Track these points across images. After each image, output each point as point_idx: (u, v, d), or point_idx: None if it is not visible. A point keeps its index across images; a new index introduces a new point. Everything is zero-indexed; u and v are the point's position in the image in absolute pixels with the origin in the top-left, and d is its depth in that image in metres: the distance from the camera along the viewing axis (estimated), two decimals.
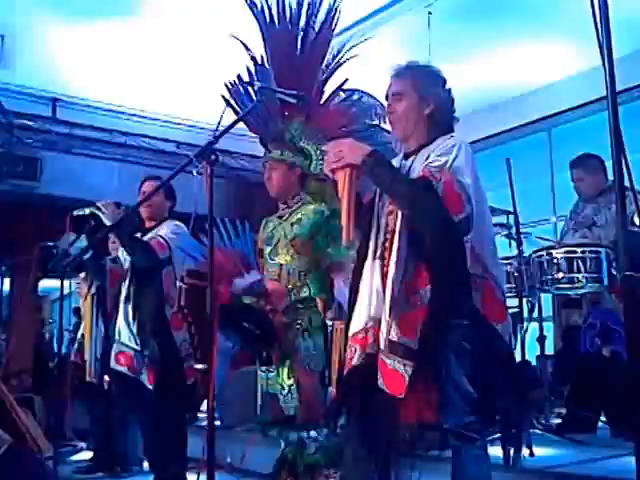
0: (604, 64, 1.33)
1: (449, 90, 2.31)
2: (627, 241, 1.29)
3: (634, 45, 4.76)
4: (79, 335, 4.52)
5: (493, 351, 2.06)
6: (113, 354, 3.52)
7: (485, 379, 2.02)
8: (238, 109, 3.52)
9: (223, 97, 3.54)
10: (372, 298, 2.12)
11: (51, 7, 5.29)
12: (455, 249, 2.03)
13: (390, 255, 2.09)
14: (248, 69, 3.66)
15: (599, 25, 1.33)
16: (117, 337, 3.52)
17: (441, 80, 2.31)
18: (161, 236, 3.50)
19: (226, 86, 3.55)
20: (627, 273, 1.26)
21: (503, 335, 2.07)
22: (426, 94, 2.23)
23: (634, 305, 1.29)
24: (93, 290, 4.13)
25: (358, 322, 2.15)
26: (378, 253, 2.16)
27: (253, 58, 3.27)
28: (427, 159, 2.11)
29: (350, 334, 2.17)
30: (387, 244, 2.14)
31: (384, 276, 2.09)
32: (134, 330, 3.45)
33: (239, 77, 3.53)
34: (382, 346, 2.02)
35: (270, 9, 3.62)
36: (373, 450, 2.15)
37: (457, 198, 2.01)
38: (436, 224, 2.02)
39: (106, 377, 3.86)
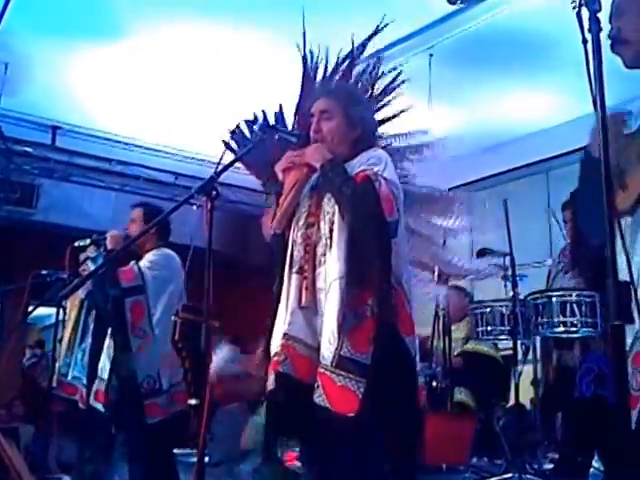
0: (597, 112, 1.35)
1: (373, 113, 2.34)
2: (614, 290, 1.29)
3: (627, 94, 4.81)
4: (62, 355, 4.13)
5: (400, 366, 2.02)
6: (94, 389, 3.46)
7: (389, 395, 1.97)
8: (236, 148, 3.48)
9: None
10: (288, 315, 2.08)
11: (55, 36, 5.34)
12: (387, 251, 2.04)
13: (313, 267, 2.08)
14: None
15: (592, 77, 1.36)
16: (99, 372, 3.46)
17: (367, 103, 2.36)
18: (137, 265, 3.43)
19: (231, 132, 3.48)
20: (615, 323, 1.26)
21: (410, 348, 2.04)
22: (354, 116, 2.24)
23: (621, 355, 1.29)
24: (82, 295, 3.76)
25: (275, 343, 2.11)
26: (296, 268, 2.13)
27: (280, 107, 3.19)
28: (352, 170, 2.12)
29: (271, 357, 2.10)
30: (307, 256, 2.11)
31: (304, 289, 2.07)
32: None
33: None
34: (327, 362, 1.96)
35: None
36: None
37: (390, 201, 2.03)
38: (374, 222, 2.02)
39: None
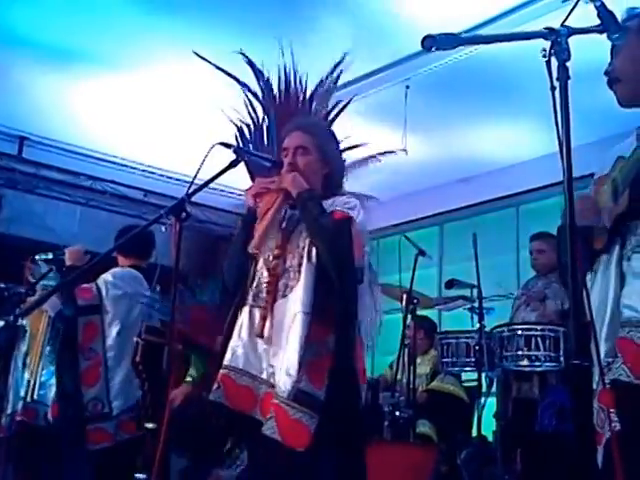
0: (562, 156, 1.38)
1: (341, 152, 2.42)
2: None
3: (594, 135, 4.90)
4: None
5: (350, 408, 2.06)
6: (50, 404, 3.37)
7: None
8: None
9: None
10: (236, 345, 2.08)
11: (28, 49, 5.27)
12: (354, 293, 2.08)
13: (273, 299, 2.08)
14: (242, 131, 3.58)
15: (559, 124, 1.37)
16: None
17: (338, 143, 2.41)
18: (96, 283, 3.34)
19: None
20: (574, 362, 1.27)
21: (361, 395, 2.09)
22: (326, 154, 2.28)
23: (580, 393, 1.32)
24: (51, 313, 3.60)
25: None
26: (252, 299, 2.14)
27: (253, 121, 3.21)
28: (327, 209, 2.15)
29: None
30: (269, 288, 2.11)
31: (261, 319, 2.07)
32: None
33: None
34: (283, 394, 1.94)
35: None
36: None
37: (360, 247, 2.08)
38: (346, 261, 2.04)
39: None
